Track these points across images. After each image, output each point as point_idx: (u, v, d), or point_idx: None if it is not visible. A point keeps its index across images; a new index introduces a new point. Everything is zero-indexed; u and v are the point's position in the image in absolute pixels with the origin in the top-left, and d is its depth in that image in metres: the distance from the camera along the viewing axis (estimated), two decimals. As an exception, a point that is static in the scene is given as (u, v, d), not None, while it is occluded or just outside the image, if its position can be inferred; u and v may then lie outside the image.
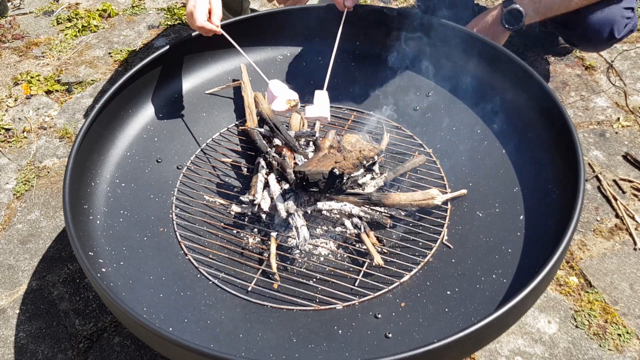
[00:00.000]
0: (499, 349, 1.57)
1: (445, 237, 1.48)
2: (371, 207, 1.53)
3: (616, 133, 2.14)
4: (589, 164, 2.03)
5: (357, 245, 1.48)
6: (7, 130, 2.32)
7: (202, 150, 1.75)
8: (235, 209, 1.56)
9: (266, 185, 1.57)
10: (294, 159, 1.62)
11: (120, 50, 2.69)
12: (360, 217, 1.49)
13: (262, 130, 1.70)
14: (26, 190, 2.09)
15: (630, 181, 1.97)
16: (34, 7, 3.02)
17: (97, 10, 2.95)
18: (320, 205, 1.49)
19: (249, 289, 1.41)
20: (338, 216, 1.52)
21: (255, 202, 1.51)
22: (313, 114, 1.56)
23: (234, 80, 1.92)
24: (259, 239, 1.53)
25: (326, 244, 1.51)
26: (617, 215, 1.87)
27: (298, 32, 1.97)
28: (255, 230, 1.55)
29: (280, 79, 1.93)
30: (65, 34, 2.80)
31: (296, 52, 1.99)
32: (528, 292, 1.16)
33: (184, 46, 1.84)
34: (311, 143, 1.69)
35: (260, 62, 1.96)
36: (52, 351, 1.64)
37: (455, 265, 1.42)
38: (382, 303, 1.36)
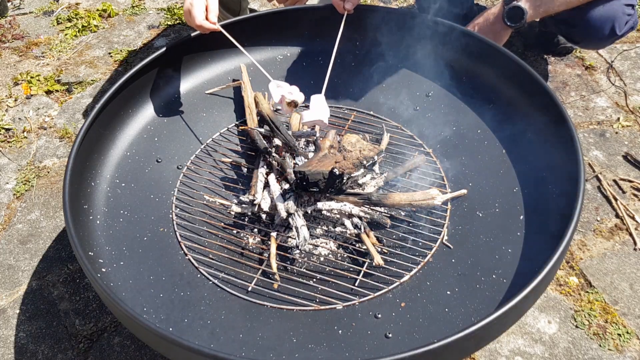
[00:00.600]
0: (499, 349, 1.57)
1: (445, 237, 1.48)
2: (371, 207, 1.53)
3: (616, 133, 2.14)
4: (589, 164, 2.03)
5: (357, 245, 1.48)
6: (7, 130, 2.32)
7: (202, 150, 1.75)
8: (235, 209, 1.56)
9: (266, 185, 1.57)
10: (294, 159, 1.62)
11: (120, 50, 2.69)
12: (360, 217, 1.49)
13: (262, 130, 1.70)
14: (26, 190, 2.09)
15: (630, 181, 1.97)
16: (34, 7, 3.03)
17: (97, 10, 2.95)
18: (320, 205, 1.49)
19: (249, 289, 1.41)
20: (338, 216, 1.52)
21: (255, 202, 1.51)
22: (310, 118, 1.57)
23: (234, 80, 1.92)
24: (259, 239, 1.53)
25: (326, 244, 1.51)
26: (617, 215, 1.87)
27: (298, 32, 1.97)
28: (255, 230, 1.55)
29: (280, 79, 1.93)
30: (65, 34, 2.80)
31: (296, 52, 1.99)
32: (528, 292, 1.16)
33: (184, 46, 1.84)
34: (311, 143, 1.69)
35: (260, 62, 1.94)
36: (52, 351, 1.64)
37: (455, 265, 1.42)
38: (382, 303, 1.36)
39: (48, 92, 2.49)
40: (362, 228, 1.46)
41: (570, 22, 2.03)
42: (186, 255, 1.49)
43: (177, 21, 2.86)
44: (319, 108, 1.58)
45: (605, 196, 1.93)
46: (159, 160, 1.71)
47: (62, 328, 1.69)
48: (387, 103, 1.85)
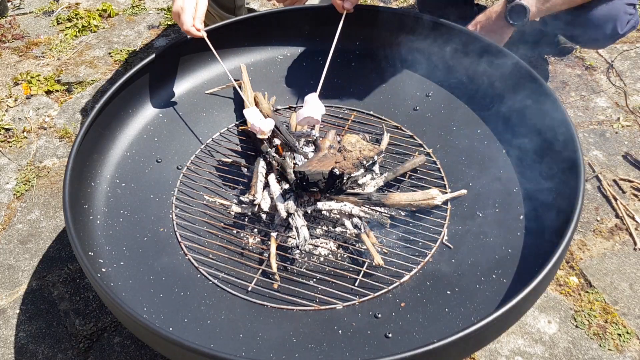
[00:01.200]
0: (499, 349, 1.57)
1: (445, 237, 1.48)
2: (371, 207, 1.53)
3: (616, 133, 2.14)
4: (589, 164, 2.03)
5: (357, 245, 1.48)
6: (7, 130, 2.32)
7: (202, 150, 1.75)
8: (235, 209, 1.56)
9: (266, 185, 1.57)
10: (294, 159, 1.62)
11: (120, 50, 2.69)
12: (360, 217, 1.49)
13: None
14: (26, 190, 2.09)
15: (630, 181, 1.97)
16: (34, 7, 3.02)
17: (97, 10, 2.95)
18: (320, 205, 1.49)
19: (249, 289, 1.41)
20: (338, 216, 1.52)
21: (255, 202, 1.51)
22: (303, 116, 1.57)
23: (235, 80, 1.91)
24: (259, 239, 1.53)
25: (326, 244, 1.51)
26: (617, 215, 1.87)
27: (298, 32, 1.97)
28: (255, 230, 1.55)
29: (280, 78, 1.94)
30: (65, 34, 2.80)
31: (296, 52, 1.99)
32: (528, 292, 1.16)
33: (184, 46, 1.84)
34: (311, 143, 1.69)
35: (260, 62, 1.96)
36: (52, 351, 1.64)
37: (455, 265, 1.42)
38: (382, 303, 1.36)
39: (48, 92, 2.49)
40: (362, 228, 1.46)
41: (571, 21, 2.03)
42: (186, 255, 1.49)
43: (177, 21, 2.86)
44: (313, 106, 1.58)
45: (605, 196, 1.93)
46: (159, 160, 1.71)
47: (62, 328, 1.69)
48: (387, 103, 1.85)
